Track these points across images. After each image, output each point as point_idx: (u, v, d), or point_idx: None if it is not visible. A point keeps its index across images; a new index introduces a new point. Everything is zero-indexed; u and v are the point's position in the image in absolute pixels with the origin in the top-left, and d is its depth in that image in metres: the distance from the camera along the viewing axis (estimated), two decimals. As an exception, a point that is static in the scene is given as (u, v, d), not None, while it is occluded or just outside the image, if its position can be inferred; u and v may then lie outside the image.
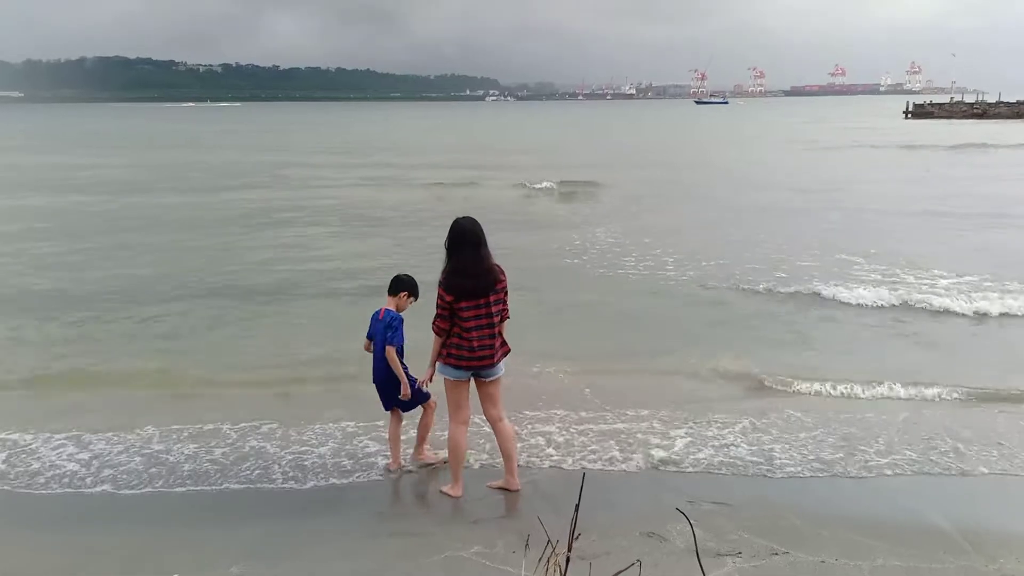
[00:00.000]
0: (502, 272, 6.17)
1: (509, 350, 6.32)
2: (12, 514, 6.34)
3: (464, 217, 6.19)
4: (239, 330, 11.46)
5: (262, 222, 21.60)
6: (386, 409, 6.85)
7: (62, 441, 7.56)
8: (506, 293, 6.22)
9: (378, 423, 7.76)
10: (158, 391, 8.97)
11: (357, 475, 6.88)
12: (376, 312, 6.70)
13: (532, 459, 7.13)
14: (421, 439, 7.00)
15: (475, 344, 6.03)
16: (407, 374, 6.63)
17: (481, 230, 6.12)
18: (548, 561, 3.22)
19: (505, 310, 6.23)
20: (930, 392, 8.74)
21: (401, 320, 6.64)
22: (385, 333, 6.54)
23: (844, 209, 23.02)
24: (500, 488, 6.51)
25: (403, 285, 6.74)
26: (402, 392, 6.59)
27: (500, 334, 6.21)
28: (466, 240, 6.05)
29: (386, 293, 6.81)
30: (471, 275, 5.99)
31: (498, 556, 5.43)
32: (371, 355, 6.79)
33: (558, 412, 8.19)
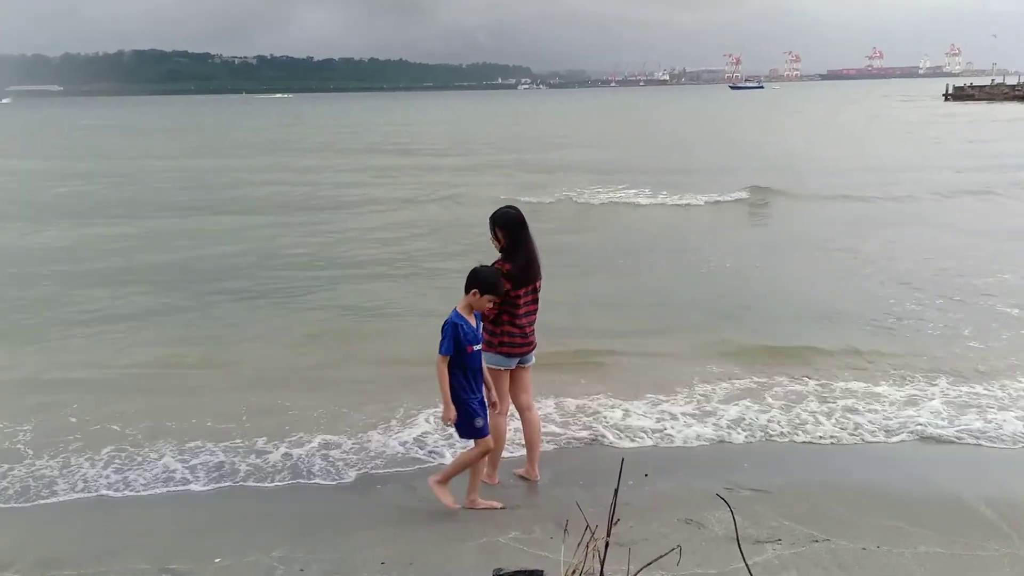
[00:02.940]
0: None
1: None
2: (54, 496, 6.44)
3: (509, 207, 6.19)
4: (281, 325, 11.53)
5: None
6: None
7: (108, 423, 7.69)
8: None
9: (417, 411, 7.86)
10: (197, 379, 9.08)
11: (395, 462, 6.92)
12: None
13: (570, 443, 7.15)
14: (445, 475, 6.04)
15: (527, 330, 6.11)
16: (465, 399, 5.75)
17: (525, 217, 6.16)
18: (587, 546, 3.22)
19: None
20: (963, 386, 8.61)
21: (451, 324, 5.66)
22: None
23: None
24: (521, 477, 6.52)
25: (471, 282, 5.75)
26: (443, 414, 5.75)
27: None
28: (525, 229, 6.07)
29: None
30: (534, 263, 6.07)
31: (535, 541, 5.43)
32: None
33: (597, 396, 8.21)
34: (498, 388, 6.18)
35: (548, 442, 7.08)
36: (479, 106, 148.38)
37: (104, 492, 6.49)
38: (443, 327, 5.68)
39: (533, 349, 6.23)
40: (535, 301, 6.17)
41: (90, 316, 11.66)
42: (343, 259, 15.54)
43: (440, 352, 5.65)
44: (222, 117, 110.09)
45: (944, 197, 22.29)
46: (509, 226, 6.04)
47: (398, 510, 6.08)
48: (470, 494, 6.03)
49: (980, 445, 7.12)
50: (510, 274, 5.95)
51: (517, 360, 6.15)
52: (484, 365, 6.04)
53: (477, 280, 5.70)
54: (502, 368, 6.15)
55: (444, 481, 5.98)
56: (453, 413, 5.68)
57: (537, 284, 6.15)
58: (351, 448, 7.18)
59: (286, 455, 7.05)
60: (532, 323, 6.16)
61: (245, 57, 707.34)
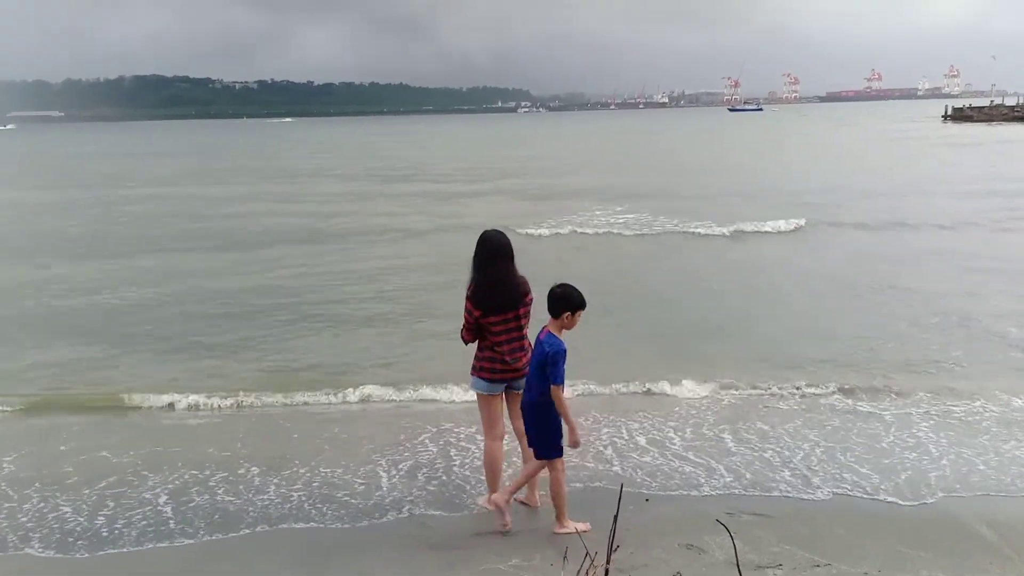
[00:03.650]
0: (527, 286, 6.13)
1: None
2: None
3: (492, 230, 6.17)
4: (278, 359, 11.54)
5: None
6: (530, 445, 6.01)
7: (99, 451, 7.69)
8: (530, 306, 6.18)
9: (418, 439, 7.89)
10: (193, 410, 9.09)
11: (396, 489, 6.92)
12: (541, 330, 5.85)
13: (570, 469, 7.12)
14: (560, 510, 6.00)
15: (507, 357, 6.06)
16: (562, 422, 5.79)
17: (509, 243, 6.09)
18: (587, 573, 3.22)
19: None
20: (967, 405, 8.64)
21: (564, 352, 5.67)
22: (544, 366, 5.68)
23: None
24: (522, 503, 6.51)
25: (564, 304, 5.75)
26: (569, 439, 5.73)
27: (529, 345, 6.21)
28: (495, 254, 6.01)
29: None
30: (499, 290, 5.96)
31: (536, 568, 5.42)
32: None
33: (596, 423, 8.22)
34: (487, 413, 6.25)
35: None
36: (480, 129, 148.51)
37: (103, 522, 6.46)
38: (554, 356, 5.62)
39: (523, 376, 6.10)
40: (517, 329, 6.06)
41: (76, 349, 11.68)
42: (337, 293, 15.41)
43: (558, 382, 5.64)
44: (225, 141, 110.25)
45: (968, 226, 20.98)
46: (478, 248, 6.06)
47: (400, 537, 6.07)
48: (506, 492, 6.06)
49: (977, 464, 7.11)
50: (470, 295, 6.00)
51: (502, 386, 6.14)
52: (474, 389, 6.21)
53: (568, 301, 5.72)
54: (485, 393, 6.17)
55: (563, 517, 5.97)
56: (579, 435, 5.74)
57: (515, 313, 6.02)
58: (354, 477, 7.17)
59: (288, 485, 7.06)
60: (514, 351, 6.07)
61: (246, 82, 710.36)
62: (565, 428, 5.74)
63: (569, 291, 5.76)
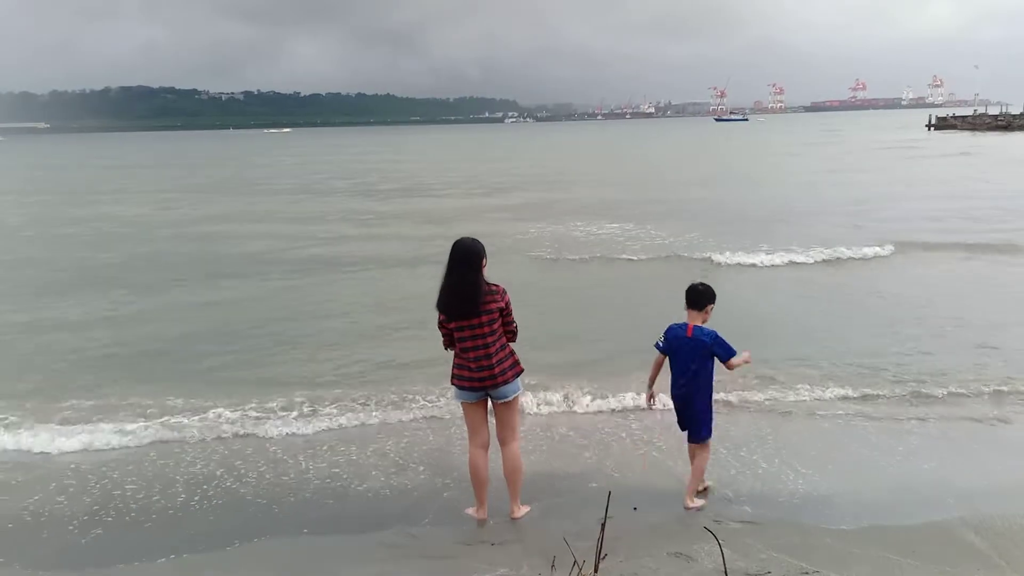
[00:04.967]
0: (499, 292, 6.03)
1: (521, 370, 6.24)
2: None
3: (466, 238, 6.10)
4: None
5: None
6: (685, 429, 6.54)
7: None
8: (504, 312, 6.07)
9: (407, 452, 7.81)
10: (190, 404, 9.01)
11: (383, 499, 6.89)
12: (676, 327, 6.34)
13: (556, 477, 7.10)
14: (694, 482, 6.60)
15: (472, 365, 6.04)
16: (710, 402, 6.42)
17: (477, 251, 5.99)
18: (574, 582, 3.19)
19: (510, 332, 6.19)
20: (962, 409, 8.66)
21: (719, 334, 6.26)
22: (709, 355, 6.20)
23: None
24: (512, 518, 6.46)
25: (708, 297, 6.32)
26: (744, 357, 6.26)
27: (508, 356, 6.15)
28: (460, 261, 5.96)
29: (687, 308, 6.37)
30: (455, 295, 5.94)
31: (524, 577, 5.38)
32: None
33: (584, 429, 8.19)
34: (466, 420, 6.33)
35: (536, 474, 7.04)
36: (469, 140, 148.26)
37: (85, 528, 6.39)
38: (718, 340, 6.19)
39: (496, 386, 6.07)
40: (482, 336, 5.98)
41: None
42: (323, 314, 15.41)
43: (732, 353, 6.19)
44: (210, 152, 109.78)
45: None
46: (449, 254, 6.02)
47: (388, 547, 6.01)
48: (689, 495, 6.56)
49: (965, 472, 7.11)
50: (437, 300, 6.03)
51: (477, 394, 6.12)
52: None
53: (711, 294, 6.33)
54: (460, 400, 6.25)
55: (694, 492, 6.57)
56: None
57: (479, 320, 5.95)
58: (341, 488, 7.13)
59: (276, 497, 7.01)
60: (479, 358, 6.00)
61: (232, 93, 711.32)
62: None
63: (708, 287, 6.35)
